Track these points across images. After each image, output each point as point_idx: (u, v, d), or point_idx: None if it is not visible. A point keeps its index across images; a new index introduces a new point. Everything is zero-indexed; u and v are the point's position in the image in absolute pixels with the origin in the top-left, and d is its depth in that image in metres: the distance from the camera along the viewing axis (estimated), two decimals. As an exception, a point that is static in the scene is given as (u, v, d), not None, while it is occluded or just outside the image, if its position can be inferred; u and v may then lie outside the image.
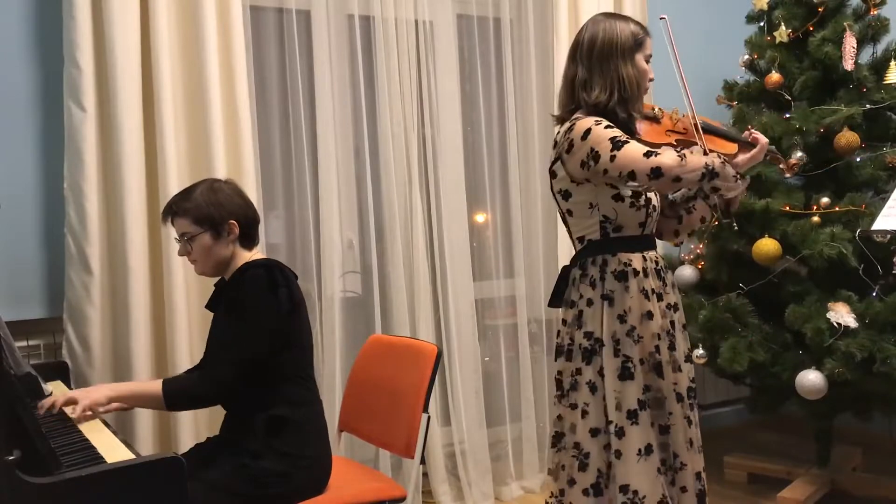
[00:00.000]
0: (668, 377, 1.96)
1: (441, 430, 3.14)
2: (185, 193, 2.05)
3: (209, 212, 1.99)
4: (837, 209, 2.86)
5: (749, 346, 2.88)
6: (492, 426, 3.26)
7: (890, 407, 2.94)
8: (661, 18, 1.98)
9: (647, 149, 1.84)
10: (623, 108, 1.97)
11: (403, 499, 2.11)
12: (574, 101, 2.04)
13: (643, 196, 1.98)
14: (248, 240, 2.08)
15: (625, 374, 1.93)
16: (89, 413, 1.84)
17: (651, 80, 2.04)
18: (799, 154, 2.87)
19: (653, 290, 1.98)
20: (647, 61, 2.02)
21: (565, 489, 2.01)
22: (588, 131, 1.90)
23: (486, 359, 3.34)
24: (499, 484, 3.25)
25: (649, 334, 1.95)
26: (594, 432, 1.96)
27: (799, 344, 2.86)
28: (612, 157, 1.85)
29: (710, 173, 1.84)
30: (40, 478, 1.32)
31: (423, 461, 2.78)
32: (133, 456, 1.54)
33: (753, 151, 2.02)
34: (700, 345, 3.02)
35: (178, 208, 2.02)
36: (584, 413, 1.97)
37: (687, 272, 3.15)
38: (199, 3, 2.61)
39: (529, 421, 3.30)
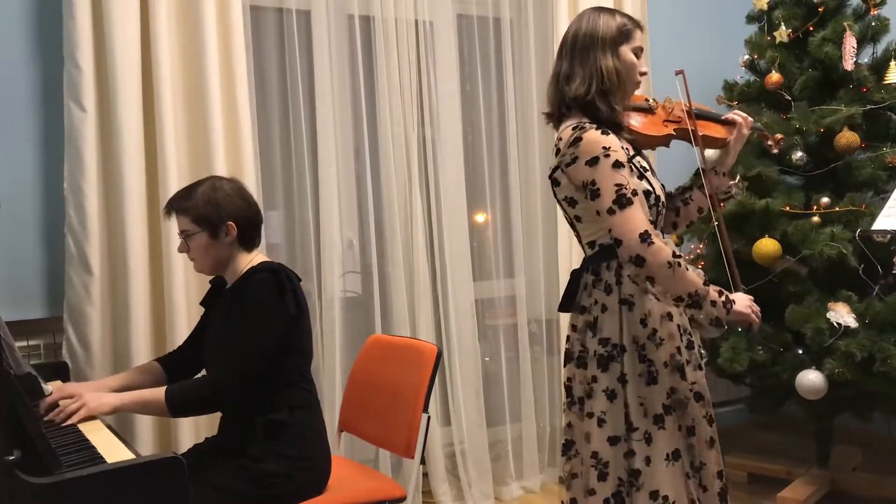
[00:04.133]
0: (689, 377, 1.89)
1: (441, 430, 3.14)
2: (187, 191, 2.04)
3: (207, 212, 1.99)
4: (837, 209, 2.86)
5: (749, 346, 2.88)
6: (492, 426, 3.26)
7: (890, 407, 2.95)
8: (677, 73, 2.03)
9: (646, 229, 1.76)
10: (604, 101, 1.89)
11: (403, 499, 2.11)
12: (559, 97, 1.97)
13: (652, 195, 1.91)
14: (249, 241, 2.07)
15: (649, 379, 1.87)
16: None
17: (643, 73, 1.98)
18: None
19: None
20: (638, 55, 1.96)
21: (578, 499, 1.96)
22: (595, 160, 1.81)
23: (486, 359, 3.34)
24: (499, 484, 3.25)
25: (669, 335, 1.89)
26: (613, 441, 1.89)
27: (799, 344, 2.86)
28: (611, 211, 1.78)
29: (693, 299, 1.79)
30: (40, 478, 1.31)
31: (423, 461, 2.78)
32: (133, 456, 1.54)
33: (737, 131, 2.07)
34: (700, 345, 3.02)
35: (178, 206, 2.02)
36: (601, 422, 1.90)
37: (687, 272, 3.14)
38: (199, 3, 2.61)
39: (529, 421, 3.30)
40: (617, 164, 1.80)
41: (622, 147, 1.86)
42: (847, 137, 2.89)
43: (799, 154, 2.95)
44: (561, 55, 1.99)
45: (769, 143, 2.27)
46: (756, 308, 1.88)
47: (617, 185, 1.79)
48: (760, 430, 3.96)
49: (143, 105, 2.56)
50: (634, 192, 1.80)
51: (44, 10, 2.59)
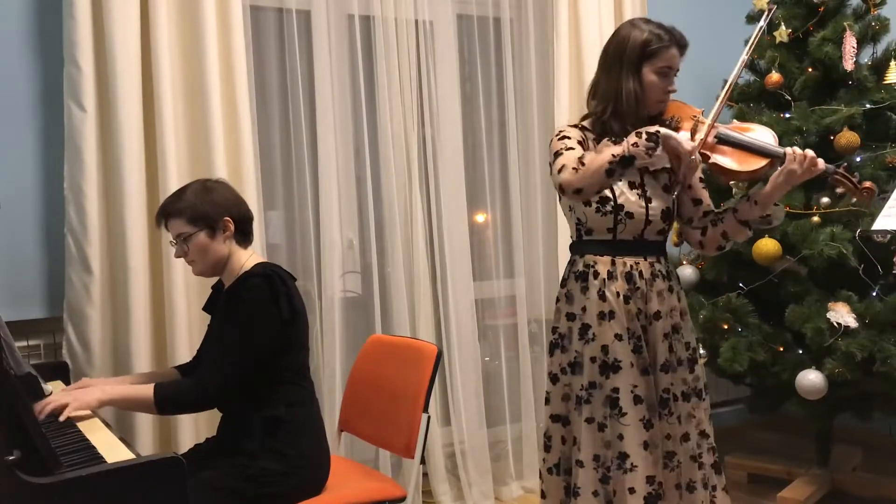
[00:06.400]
0: (625, 378, 1.96)
1: (441, 430, 3.14)
2: (178, 195, 2.04)
3: (204, 210, 1.98)
4: (837, 209, 2.86)
5: (749, 346, 2.88)
6: (492, 426, 3.26)
7: (890, 407, 2.94)
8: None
9: (563, 163, 1.93)
10: (618, 122, 2.01)
11: (403, 499, 2.11)
12: (588, 105, 2.13)
13: (609, 202, 2.01)
14: (244, 237, 2.08)
15: (574, 369, 2.04)
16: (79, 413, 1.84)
17: (670, 91, 2.02)
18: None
19: (618, 293, 2.00)
20: (665, 74, 1.99)
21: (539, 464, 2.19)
22: (551, 142, 2.04)
23: (486, 359, 3.34)
24: (499, 484, 3.25)
25: (606, 335, 1.99)
26: (554, 418, 2.10)
27: (799, 344, 2.86)
28: (551, 172, 1.99)
29: (620, 163, 1.86)
30: (40, 478, 1.31)
31: (423, 461, 2.78)
32: (133, 456, 1.54)
33: (787, 170, 1.92)
34: (700, 345, 3.02)
35: (171, 209, 2.01)
36: (547, 400, 2.13)
37: (687, 272, 3.15)
38: (199, 3, 2.61)
39: (529, 421, 3.30)
40: (562, 138, 2.02)
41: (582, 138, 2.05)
42: (847, 137, 2.88)
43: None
44: (599, 63, 2.10)
45: (839, 189, 2.02)
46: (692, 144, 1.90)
47: (555, 151, 1.99)
48: (760, 430, 3.96)
49: (143, 105, 2.56)
50: (569, 148, 1.98)
51: (44, 10, 2.59)
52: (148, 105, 2.58)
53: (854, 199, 2.06)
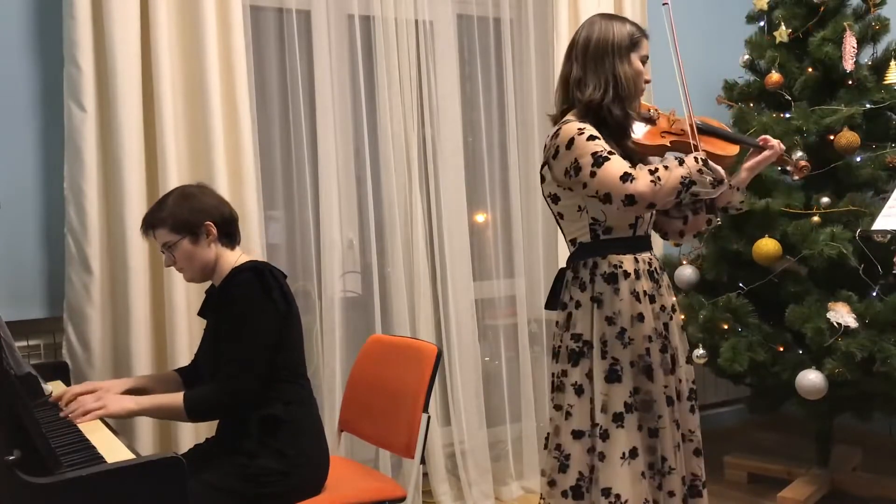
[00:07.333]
0: (659, 380, 1.94)
1: (441, 430, 3.14)
2: (159, 204, 2.05)
3: (184, 217, 2.00)
4: (837, 209, 2.86)
5: (749, 346, 2.88)
6: (492, 426, 3.26)
7: (890, 407, 2.95)
8: (664, 4, 1.95)
9: (626, 171, 1.82)
10: (619, 107, 1.95)
11: (403, 499, 2.11)
12: (567, 100, 2.04)
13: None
14: (229, 238, 2.08)
15: (612, 377, 1.92)
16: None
17: (647, 81, 2.03)
18: (798, 154, 2.82)
19: (645, 293, 1.97)
20: (644, 63, 2.01)
21: (545, 490, 2.03)
22: (571, 141, 1.90)
23: (486, 359, 3.34)
24: (499, 484, 3.25)
25: (640, 336, 1.94)
26: (577, 434, 1.96)
27: (799, 344, 2.87)
28: (592, 174, 1.85)
29: (686, 185, 1.84)
30: (40, 478, 1.31)
31: (423, 461, 2.78)
32: (133, 456, 1.54)
33: (764, 155, 2.04)
34: (700, 345, 3.02)
35: (153, 220, 2.03)
36: (568, 415, 1.97)
37: (687, 272, 3.15)
38: (199, 3, 2.61)
39: (529, 421, 3.30)
40: (591, 138, 1.89)
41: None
42: (847, 137, 2.88)
43: (799, 154, 2.95)
44: (570, 58, 2.03)
45: (789, 168, 2.20)
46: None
47: (593, 152, 1.86)
48: (760, 430, 3.96)
49: (143, 105, 2.56)
50: (611, 152, 1.87)
51: (44, 10, 2.59)
52: (148, 105, 2.58)
53: (795, 177, 2.25)
